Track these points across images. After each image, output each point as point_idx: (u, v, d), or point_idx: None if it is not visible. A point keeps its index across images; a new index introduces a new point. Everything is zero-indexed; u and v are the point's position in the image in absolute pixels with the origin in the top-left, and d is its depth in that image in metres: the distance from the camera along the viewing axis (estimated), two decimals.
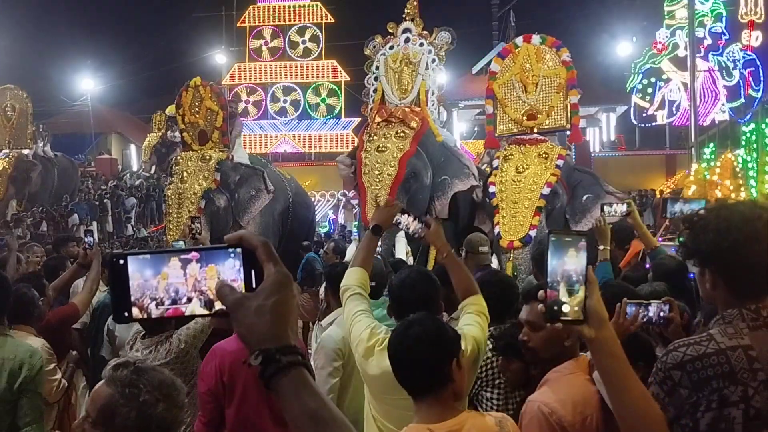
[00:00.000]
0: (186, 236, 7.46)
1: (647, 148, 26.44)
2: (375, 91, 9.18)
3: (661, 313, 2.60)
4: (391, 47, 9.19)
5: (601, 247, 4.59)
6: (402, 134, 8.48)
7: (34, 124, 18.91)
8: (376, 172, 8.32)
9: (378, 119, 8.82)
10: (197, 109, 9.60)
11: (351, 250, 8.29)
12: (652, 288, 3.53)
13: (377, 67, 9.21)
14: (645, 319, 2.59)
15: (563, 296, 1.45)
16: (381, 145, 8.45)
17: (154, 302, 1.04)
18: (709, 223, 1.86)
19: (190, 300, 1.05)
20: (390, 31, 9.30)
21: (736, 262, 1.82)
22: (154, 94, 31.82)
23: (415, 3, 9.32)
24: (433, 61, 9.03)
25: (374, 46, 9.36)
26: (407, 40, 9.14)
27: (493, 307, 3.01)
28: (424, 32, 9.20)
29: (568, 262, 1.44)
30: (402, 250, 7.91)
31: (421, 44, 9.07)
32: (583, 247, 1.46)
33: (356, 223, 13.40)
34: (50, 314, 4.42)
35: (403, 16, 9.32)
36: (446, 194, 8.54)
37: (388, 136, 8.51)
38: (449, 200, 8.51)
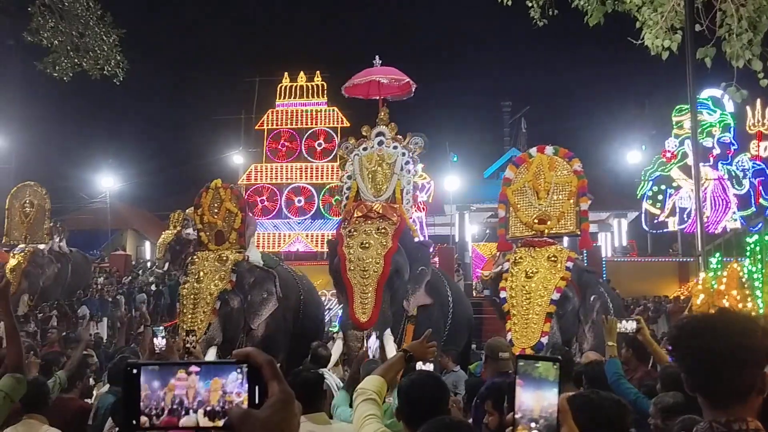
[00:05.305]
0: (180, 348, 7.33)
1: (659, 254, 26.36)
2: (349, 188, 9.42)
3: None
4: (365, 149, 9.50)
5: (609, 344, 4.57)
6: (383, 230, 8.59)
7: (51, 220, 19.18)
8: (362, 269, 8.33)
9: (358, 213, 9.01)
10: (216, 210, 9.70)
11: (336, 349, 8.08)
12: (675, 399, 3.48)
13: (351, 167, 9.49)
14: None
15: (533, 428, 1.34)
16: (364, 241, 8.49)
17: (159, 412, 1.07)
18: (691, 328, 1.84)
19: (193, 411, 1.07)
20: (364, 134, 9.64)
21: (701, 367, 1.78)
22: (172, 192, 32.44)
23: (387, 110, 9.79)
24: (407, 163, 9.31)
25: (347, 147, 9.70)
26: (381, 143, 9.46)
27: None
28: (398, 136, 9.52)
29: (539, 390, 1.35)
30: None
31: (395, 147, 9.40)
32: (555, 373, 1.36)
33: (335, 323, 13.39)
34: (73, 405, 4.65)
35: (377, 120, 9.68)
36: (421, 285, 8.72)
37: (369, 231, 8.60)
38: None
